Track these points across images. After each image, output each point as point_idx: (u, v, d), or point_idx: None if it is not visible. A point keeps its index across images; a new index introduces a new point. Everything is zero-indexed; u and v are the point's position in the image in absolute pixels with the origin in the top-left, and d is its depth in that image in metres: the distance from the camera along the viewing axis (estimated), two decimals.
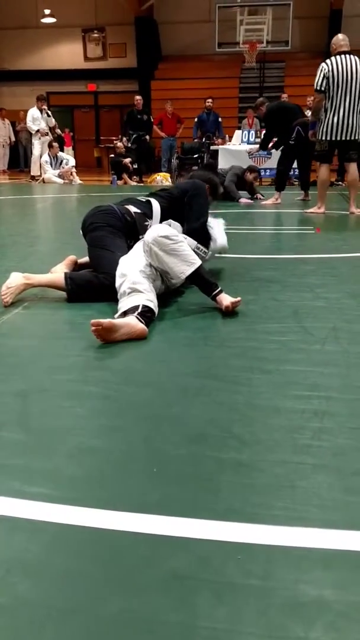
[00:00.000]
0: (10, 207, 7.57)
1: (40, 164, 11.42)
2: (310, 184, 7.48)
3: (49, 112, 11.92)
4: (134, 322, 2.10)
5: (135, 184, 11.09)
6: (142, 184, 10.99)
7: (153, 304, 2.23)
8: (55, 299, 2.62)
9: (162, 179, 11.01)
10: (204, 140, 11.29)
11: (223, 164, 9.49)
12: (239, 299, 2.39)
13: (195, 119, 11.76)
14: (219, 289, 2.42)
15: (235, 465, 1.27)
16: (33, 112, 11.66)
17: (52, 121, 11.85)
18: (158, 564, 0.98)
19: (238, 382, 1.72)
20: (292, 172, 10.24)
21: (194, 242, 2.74)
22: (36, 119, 11.60)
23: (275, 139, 7.50)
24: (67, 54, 17.14)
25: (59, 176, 11.12)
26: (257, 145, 8.45)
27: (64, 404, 1.59)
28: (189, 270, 2.37)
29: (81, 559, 1.00)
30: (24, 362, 1.91)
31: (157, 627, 0.86)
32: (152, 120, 12.12)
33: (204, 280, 2.43)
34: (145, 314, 2.16)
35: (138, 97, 11.98)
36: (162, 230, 2.39)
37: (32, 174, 11.83)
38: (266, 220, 6.24)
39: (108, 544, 1.03)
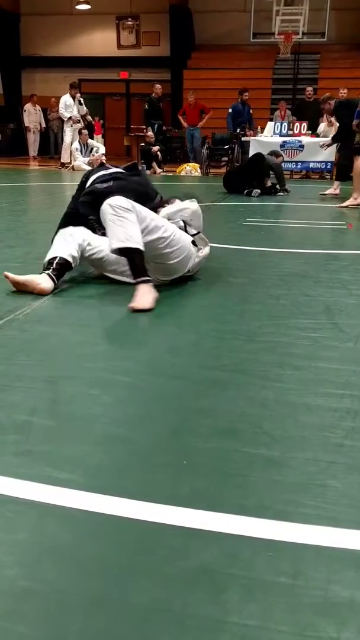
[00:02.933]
0: (40, 194, 7.61)
1: (70, 151, 11.45)
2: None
3: (82, 100, 11.93)
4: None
5: (164, 173, 11.06)
6: (170, 174, 10.95)
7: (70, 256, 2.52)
8: (85, 287, 2.62)
9: (192, 169, 10.96)
10: (238, 131, 11.18)
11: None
12: (147, 306, 2.29)
13: (230, 110, 11.63)
14: (145, 279, 2.37)
15: (266, 462, 1.26)
16: (66, 99, 11.68)
17: (84, 109, 11.85)
18: (188, 557, 0.97)
19: (268, 377, 1.71)
20: (324, 166, 10.13)
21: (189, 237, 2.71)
22: (69, 106, 11.63)
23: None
24: (101, 42, 17.10)
25: (89, 164, 11.13)
26: (326, 139, 8.47)
27: (92, 392, 1.59)
28: (117, 244, 2.36)
29: (111, 547, 1.00)
30: (53, 349, 1.92)
31: (187, 620, 0.85)
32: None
33: (133, 263, 2.41)
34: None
35: (158, 85, 12.01)
36: (118, 200, 2.42)
37: (62, 160, 11.87)
38: (297, 213, 6.18)
39: (138, 534, 1.03)
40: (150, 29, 16.76)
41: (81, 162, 11.16)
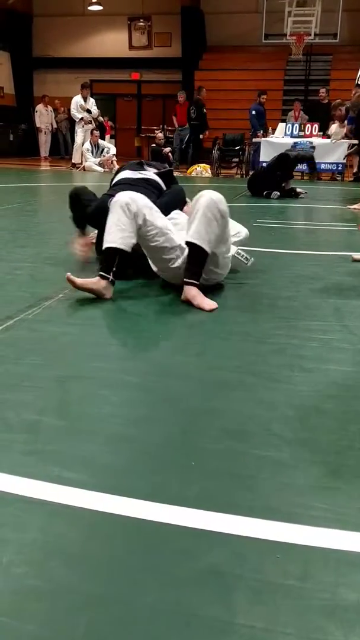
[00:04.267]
0: (51, 194, 7.64)
1: (82, 152, 11.49)
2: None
3: (94, 101, 11.97)
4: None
5: (176, 173, 11.07)
6: (180, 174, 10.96)
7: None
8: None
9: (202, 170, 10.95)
10: (261, 132, 11.15)
11: (265, 157, 9.40)
12: (213, 307, 2.33)
13: (253, 112, 11.59)
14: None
15: (275, 464, 1.26)
16: (77, 100, 11.72)
17: (95, 109, 11.88)
18: (196, 558, 0.97)
19: (278, 379, 1.70)
20: (336, 167, 10.10)
21: (234, 248, 2.72)
22: (80, 107, 11.67)
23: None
24: (112, 42, 17.16)
25: (100, 164, 11.17)
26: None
27: (101, 392, 1.59)
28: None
29: (119, 548, 1.00)
30: (63, 348, 1.92)
31: (194, 621, 0.85)
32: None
33: (197, 264, 2.41)
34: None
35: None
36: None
37: (73, 161, 11.91)
38: (307, 215, 6.16)
39: (146, 534, 1.03)
40: (162, 30, 16.79)
41: (92, 163, 11.20)
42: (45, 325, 2.13)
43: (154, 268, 2.66)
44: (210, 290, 2.58)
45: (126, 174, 3.08)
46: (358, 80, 5.69)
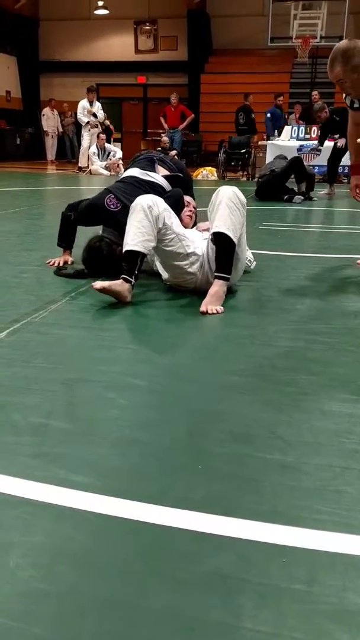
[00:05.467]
0: (57, 198, 7.66)
1: (88, 156, 11.52)
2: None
3: (100, 105, 12.00)
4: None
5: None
6: None
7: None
8: None
9: (208, 173, 10.96)
10: (276, 134, 11.13)
11: (270, 159, 9.39)
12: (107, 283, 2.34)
13: (268, 114, 11.59)
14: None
15: (280, 467, 1.26)
16: (84, 104, 11.76)
17: (102, 113, 11.91)
18: (201, 561, 0.97)
19: (284, 382, 1.70)
20: (342, 170, 10.08)
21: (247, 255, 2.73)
22: (86, 111, 11.70)
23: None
24: (119, 46, 17.20)
25: (106, 168, 11.19)
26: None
27: (108, 395, 1.60)
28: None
29: (125, 551, 1.00)
30: (70, 351, 1.93)
31: (199, 625, 0.85)
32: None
33: (229, 259, 2.41)
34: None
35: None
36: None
37: (79, 165, 11.94)
38: (313, 217, 6.16)
39: (152, 537, 1.04)
40: (168, 34, 16.82)
41: (98, 167, 11.22)
42: (52, 328, 2.14)
43: (164, 275, 2.66)
44: None
45: (134, 172, 3.05)
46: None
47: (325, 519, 1.09)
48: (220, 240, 2.41)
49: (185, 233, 2.54)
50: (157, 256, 2.60)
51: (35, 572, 0.95)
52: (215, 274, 2.43)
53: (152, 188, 2.92)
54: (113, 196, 2.89)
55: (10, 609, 0.87)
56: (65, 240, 3.14)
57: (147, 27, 17.08)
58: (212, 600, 0.90)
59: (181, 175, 3.16)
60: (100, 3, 16.73)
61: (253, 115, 11.67)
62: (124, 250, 2.42)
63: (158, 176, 3.05)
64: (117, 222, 2.76)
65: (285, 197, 6.98)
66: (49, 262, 3.13)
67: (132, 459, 1.29)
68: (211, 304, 2.35)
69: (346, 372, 1.78)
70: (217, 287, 2.40)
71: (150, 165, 3.12)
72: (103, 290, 2.35)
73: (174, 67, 16.37)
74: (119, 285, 2.38)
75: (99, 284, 2.34)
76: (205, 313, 2.32)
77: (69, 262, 3.12)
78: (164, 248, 2.47)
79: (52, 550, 1.00)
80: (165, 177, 3.07)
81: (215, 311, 2.33)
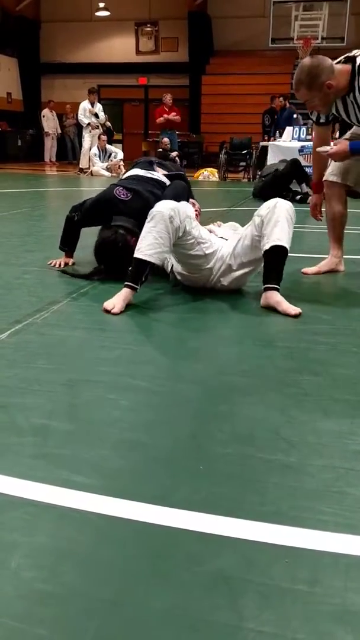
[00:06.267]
0: (59, 199, 7.67)
1: (89, 157, 11.53)
2: None
3: (101, 106, 12.02)
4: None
5: None
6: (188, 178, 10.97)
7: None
8: (104, 291, 2.64)
9: (209, 174, 10.97)
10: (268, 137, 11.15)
11: (273, 160, 9.38)
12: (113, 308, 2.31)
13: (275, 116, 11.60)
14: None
15: (283, 468, 1.26)
16: (85, 105, 11.77)
17: (103, 114, 11.93)
18: (204, 562, 0.97)
19: (286, 383, 1.70)
20: None
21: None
22: (87, 112, 11.72)
23: None
24: (120, 48, 17.22)
25: (107, 169, 11.20)
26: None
27: (110, 396, 1.60)
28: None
29: (128, 552, 1.00)
30: (71, 352, 1.93)
31: (202, 626, 0.85)
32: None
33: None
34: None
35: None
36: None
37: (80, 166, 11.96)
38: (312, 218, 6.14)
39: (154, 538, 1.04)
40: (169, 35, 16.84)
41: (99, 168, 11.23)
42: (54, 329, 2.14)
43: (176, 267, 2.66)
44: (216, 294, 2.59)
45: (137, 171, 3.10)
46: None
47: (328, 520, 1.09)
48: (278, 254, 2.42)
49: (204, 234, 2.54)
50: (174, 255, 2.59)
51: (38, 573, 0.94)
52: (269, 285, 2.41)
53: (157, 183, 2.95)
54: (121, 187, 2.90)
55: (13, 610, 0.87)
56: (68, 244, 3.13)
57: (148, 29, 17.09)
58: (215, 601, 0.89)
59: (182, 173, 3.19)
60: (102, 5, 16.76)
61: (277, 117, 11.70)
62: (136, 256, 2.37)
63: (159, 174, 3.07)
64: (130, 209, 2.78)
65: (298, 197, 6.92)
66: (51, 263, 3.13)
67: (134, 460, 1.29)
68: (289, 307, 2.35)
69: (349, 373, 1.78)
70: (278, 297, 2.39)
71: (150, 166, 3.16)
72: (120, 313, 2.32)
73: (175, 69, 16.38)
74: (125, 298, 2.36)
75: (117, 310, 2.31)
76: (296, 315, 2.32)
77: (70, 264, 3.13)
78: (182, 251, 2.48)
79: (54, 551, 1.00)
80: (165, 175, 3.10)
81: (298, 312, 2.33)
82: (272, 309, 2.39)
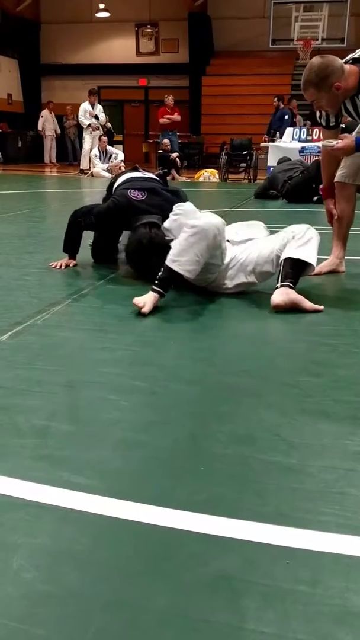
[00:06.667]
0: (59, 200, 7.67)
1: (90, 158, 11.55)
2: None
3: (101, 107, 12.03)
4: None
5: (184, 179, 11.10)
6: (188, 180, 10.98)
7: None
8: (104, 292, 2.64)
9: (210, 175, 10.97)
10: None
11: (273, 161, 9.39)
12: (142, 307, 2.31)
13: (286, 116, 11.63)
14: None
15: (284, 469, 1.26)
16: (85, 107, 11.79)
17: (103, 116, 11.94)
18: (205, 563, 0.97)
19: (287, 383, 1.70)
20: None
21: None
22: (88, 113, 11.74)
23: None
24: (120, 49, 17.25)
25: (108, 170, 11.22)
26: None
27: (110, 397, 1.60)
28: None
29: (128, 552, 1.00)
30: (72, 354, 1.93)
31: (203, 626, 0.85)
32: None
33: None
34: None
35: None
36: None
37: (81, 167, 11.98)
38: (317, 219, 6.14)
39: (155, 540, 1.04)
40: (169, 36, 16.86)
41: (100, 169, 11.25)
42: (55, 331, 2.14)
43: None
44: (218, 295, 2.59)
45: (131, 174, 3.13)
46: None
47: (329, 521, 1.09)
48: (303, 267, 2.45)
49: (226, 245, 2.55)
50: None
51: (39, 573, 0.95)
52: (289, 282, 2.40)
53: (154, 180, 2.98)
54: (133, 190, 2.90)
55: (14, 611, 0.87)
56: (71, 248, 3.14)
57: (149, 30, 17.12)
58: (216, 601, 0.90)
59: (165, 170, 3.25)
60: (102, 6, 16.78)
61: (295, 119, 11.74)
62: (171, 266, 2.34)
63: (149, 174, 3.12)
64: (151, 205, 2.81)
65: (316, 198, 6.86)
66: (52, 265, 3.14)
67: (134, 460, 1.29)
68: (303, 301, 2.37)
69: (350, 374, 1.78)
70: (296, 293, 2.40)
71: (136, 170, 3.25)
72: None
73: (176, 70, 16.41)
74: (153, 302, 2.34)
75: (146, 310, 2.30)
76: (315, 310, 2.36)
77: (72, 266, 3.13)
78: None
79: (55, 552, 1.00)
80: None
81: (319, 308, 2.37)
82: (287, 307, 2.36)
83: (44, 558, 0.98)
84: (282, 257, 2.45)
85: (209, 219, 2.40)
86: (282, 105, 11.79)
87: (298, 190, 7.00)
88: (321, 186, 3.17)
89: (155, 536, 1.04)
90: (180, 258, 2.34)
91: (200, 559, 0.98)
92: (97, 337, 2.11)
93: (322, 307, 2.38)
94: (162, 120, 11.90)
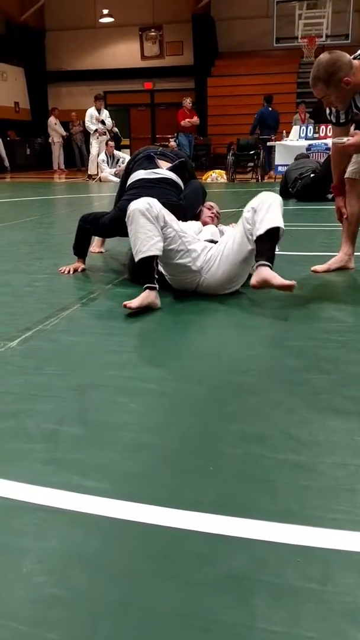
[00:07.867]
0: (68, 206, 7.71)
1: (97, 163, 11.59)
2: None
3: (107, 112, 12.08)
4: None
5: None
6: None
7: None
8: (111, 296, 2.64)
9: (217, 176, 10.96)
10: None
11: (279, 159, 9.36)
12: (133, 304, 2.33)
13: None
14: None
15: (294, 467, 1.25)
16: (92, 112, 11.83)
17: (109, 121, 11.97)
18: (215, 563, 0.97)
19: (295, 381, 1.69)
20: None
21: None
22: (94, 119, 11.78)
23: None
24: (125, 53, 17.29)
25: (115, 175, 11.24)
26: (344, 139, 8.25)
27: (119, 400, 1.60)
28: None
29: (138, 554, 1.00)
30: (80, 357, 1.94)
31: (214, 626, 0.85)
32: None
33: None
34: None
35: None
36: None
37: (89, 172, 12.01)
38: (321, 216, 6.12)
39: (165, 541, 1.03)
40: (174, 39, 16.87)
41: (108, 174, 11.27)
42: (63, 335, 2.14)
43: (165, 272, 2.65)
44: (221, 296, 2.58)
45: (141, 174, 3.02)
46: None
47: (340, 518, 1.08)
48: (275, 234, 2.42)
49: (185, 229, 2.57)
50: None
51: (49, 577, 0.95)
52: (263, 262, 2.40)
53: (166, 183, 2.93)
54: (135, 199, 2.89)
55: (25, 615, 0.88)
56: (81, 250, 3.18)
57: (153, 33, 17.14)
58: (226, 601, 0.89)
59: (184, 159, 3.16)
60: (105, 11, 16.83)
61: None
62: (137, 259, 2.42)
63: (163, 170, 3.02)
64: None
65: (331, 195, 6.80)
66: (61, 270, 3.15)
67: (144, 462, 1.29)
68: (274, 277, 2.35)
69: (359, 371, 1.77)
70: (270, 272, 2.38)
71: (151, 163, 3.08)
72: (137, 309, 2.34)
73: (181, 72, 16.42)
74: (146, 297, 2.37)
75: (134, 304, 2.33)
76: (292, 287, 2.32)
77: (80, 270, 3.14)
78: (165, 247, 2.47)
79: (65, 556, 1.00)
80: (170, 168, 3.05)
81: (289, 283, 2.33)
82: (264, 287, 2.37)
83: (54, 562, 0.99)
84: (253, 237, 2.45)
85: (133, 203, 2.46)
86: (265, 104, 11.90)
87: (308, 190, 6.97)
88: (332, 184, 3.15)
89: (165, 537, 1.04)
90: (137, 248, 2.40)
91: (209, 559, 0.98)
92: (105, 340, 2.11)
93: (293, 282, 2.33)
94: (183, 123, 12.07)
